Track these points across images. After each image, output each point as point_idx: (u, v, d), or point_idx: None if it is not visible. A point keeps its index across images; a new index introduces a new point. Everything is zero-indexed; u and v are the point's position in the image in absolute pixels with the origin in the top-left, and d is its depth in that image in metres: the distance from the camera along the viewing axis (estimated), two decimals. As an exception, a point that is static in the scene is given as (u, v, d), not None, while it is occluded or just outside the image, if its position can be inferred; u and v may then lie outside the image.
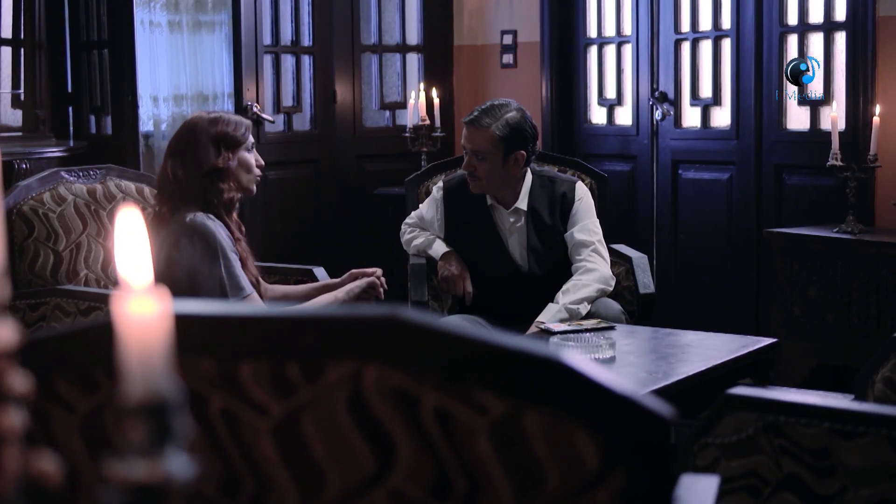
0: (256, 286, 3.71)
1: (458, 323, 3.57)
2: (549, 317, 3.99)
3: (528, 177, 4.26)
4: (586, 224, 4.25)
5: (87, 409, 1.20)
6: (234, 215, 3.69)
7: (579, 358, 1.09)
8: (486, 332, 1.13)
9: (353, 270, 3.96)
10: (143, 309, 0.70)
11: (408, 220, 4.53)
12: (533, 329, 3.95)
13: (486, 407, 1.10)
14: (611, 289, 4.17)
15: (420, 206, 4.52)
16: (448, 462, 1.11)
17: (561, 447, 1.09)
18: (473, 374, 1.10)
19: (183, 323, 1.16)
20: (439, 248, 4.33)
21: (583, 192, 4.33)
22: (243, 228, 3.73)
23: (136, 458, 0.69)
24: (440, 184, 4.46)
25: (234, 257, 3.56)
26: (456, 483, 1.12)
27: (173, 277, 3.53)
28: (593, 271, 4.14)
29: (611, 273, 4.20)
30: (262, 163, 3.72)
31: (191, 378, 1.16)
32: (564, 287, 4.10)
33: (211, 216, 3.56)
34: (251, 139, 3.69)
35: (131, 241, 0.72)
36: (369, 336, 1.11)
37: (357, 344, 1.12)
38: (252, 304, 3.57)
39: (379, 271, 3.93)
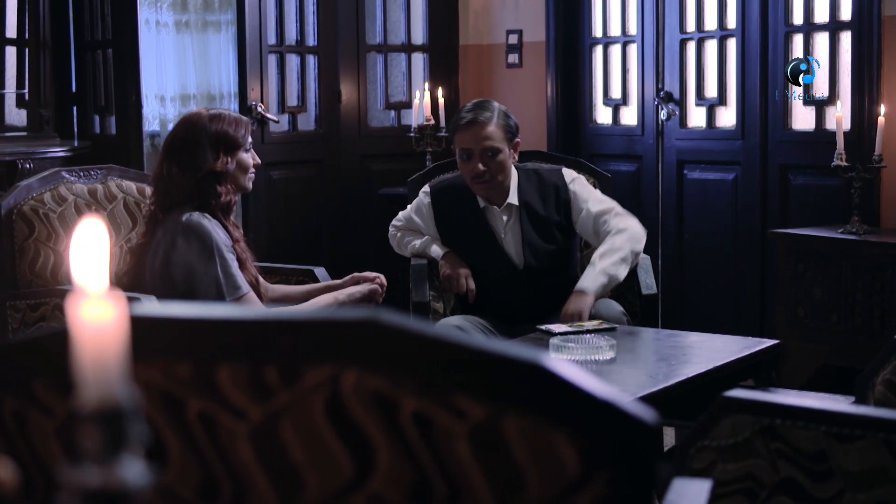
0: (256, 287, 3.69)
1: (461, 323, 3.53)
2: (590, 281, 3.95)
3: (514, 173, 4.24)
4: (594, 195, 4.23)
5: (64, 412, 1.19)
6: (232, 217, 3.67)
7: (560, 361, 1.08)
8: (467, 335, 1.11)
9: (356, 274, 3.95)
10: (97, 314, 0.69)
11: (395, 222, 4.46)
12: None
13: (465, 411, 1.08)
14: (642, 246, 4.12)
15: (408, 208, 4.45)
16: (428, 467, 1.10)
17: (541, 452, 1.08)
18: (453, 379, 1.08)
19: (160, 325, 1.15)
20: (438, 248, 4.29)
21: (571, 175, 4.30)
22: (241, 230, 3.72)
23: (91, 464, 0.68)
24: (427, 189, 4.39)
25: (230, 257, 3.54)
26: (436, 488, 1.10)
27: (170, 277, 3.52)
28: (624, 230, 4.09)
29: (642, 228, 4.16)
30: (259, 162, 3.70)
31: (169, 381, 1.15)
32: (600, 250, 4.04)
33: (207, 215, 3.54)
34: (250, 139, 3.67)
35: (88, 247, 0.71)
36: (348, 339, 1.10)
37: (336, 347, 1.10)
38: (247, 305, 3.56)
39: (381, 278, 3.91)
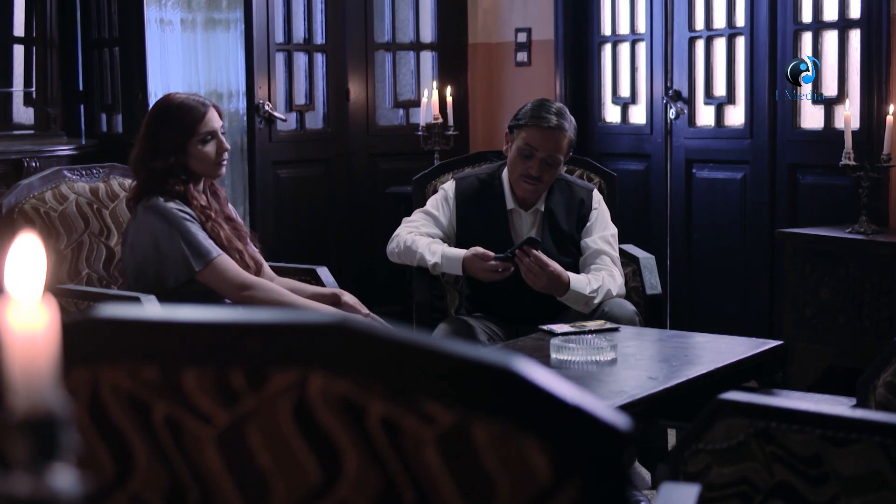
0: (257, 270, 3.71)
1: (463, 325, 3.47)
2: (576, 280, 3.97)
3: None
4: (606, 236, 4.20)
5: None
6: (204, 198, 3.68)
7: (530, 366, 1.05)
8: (436, 340, 1.09)
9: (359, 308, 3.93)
10: (27, 321, 0.67)
11: (402, 229, 4.25)
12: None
13: (434, 417, 1.06)
14: (599, 301, 4.09)
15: (427, 204, 4.30)
16: (396, 473, 1.08)
17: (511, 458, 1.05)
18: (421, 384, 1.06)
19: (127, 328, 1.13)
20: (451, 256, 4.03)
21: (599, 200, 4.29)
22: (230, 212, 3.75)
23: (21, 473, 0.66)
24: (451, 182, 4.31)
25: (193, 227, 3.56)
26: (404, 495, 1.08)
27: (139, 263, 3.60)
28: (615, 281, 4.10)
29: (622, 288, 4.16)
30: (227, 147, 3.70)
31: (135, 384, 1.13)
32: (599, 275, 4.05)
33: (174, 200, 3.60)
34: (213, 126, 3.65)
35: (21, 255, 0.69)
36: (315, 343, 1.08)
37: (302, 351, 1.08)
38: (219, 266, 3.57)
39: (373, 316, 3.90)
